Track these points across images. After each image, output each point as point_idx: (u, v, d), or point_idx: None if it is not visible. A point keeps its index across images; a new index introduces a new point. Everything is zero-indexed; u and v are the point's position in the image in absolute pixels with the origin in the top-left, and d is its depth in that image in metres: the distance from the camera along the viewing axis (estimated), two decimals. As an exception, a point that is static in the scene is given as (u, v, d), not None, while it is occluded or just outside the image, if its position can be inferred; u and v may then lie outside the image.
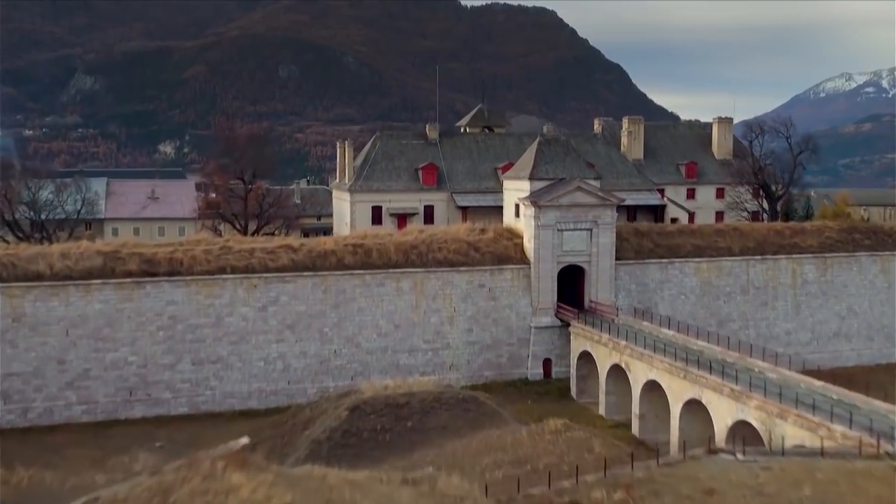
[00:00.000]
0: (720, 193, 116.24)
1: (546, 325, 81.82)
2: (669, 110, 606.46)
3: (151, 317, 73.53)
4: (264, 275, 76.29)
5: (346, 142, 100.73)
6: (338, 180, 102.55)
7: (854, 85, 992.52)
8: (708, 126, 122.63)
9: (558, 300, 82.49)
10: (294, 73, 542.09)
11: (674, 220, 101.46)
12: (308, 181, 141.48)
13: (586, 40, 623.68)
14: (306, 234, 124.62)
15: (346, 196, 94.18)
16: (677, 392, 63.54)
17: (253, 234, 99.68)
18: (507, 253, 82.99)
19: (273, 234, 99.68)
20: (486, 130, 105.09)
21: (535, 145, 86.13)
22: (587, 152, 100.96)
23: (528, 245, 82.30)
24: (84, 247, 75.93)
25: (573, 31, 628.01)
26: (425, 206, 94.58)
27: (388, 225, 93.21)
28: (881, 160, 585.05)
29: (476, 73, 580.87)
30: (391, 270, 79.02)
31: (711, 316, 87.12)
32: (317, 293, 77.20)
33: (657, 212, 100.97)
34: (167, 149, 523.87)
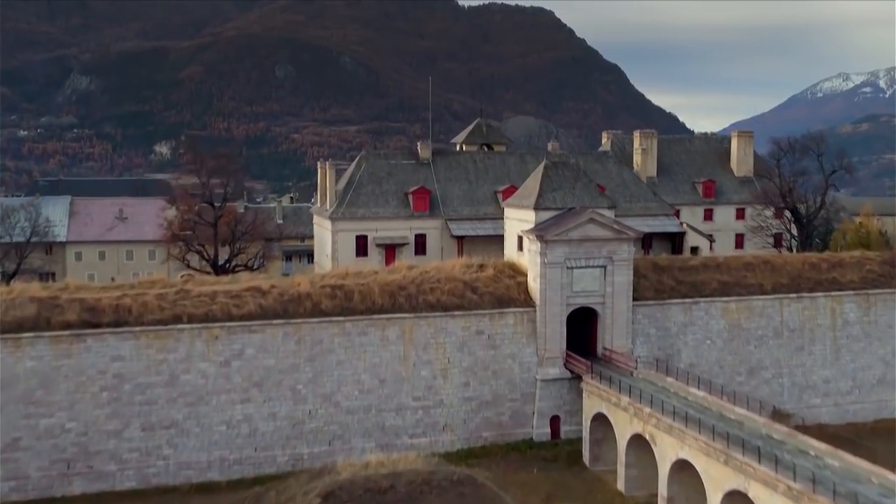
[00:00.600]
0: (740, 214, 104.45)
1: (554, 377, 69.80)
2: (667, 111, 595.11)
3: (93, 375, 61.49)
4: (227, 324, 64.22)
5: (328, 162, 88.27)
6: (318, 204, 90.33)
7: (851, 85, 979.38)
8: (726, 140, 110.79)
9: (567, 347, 70.57)
10: (290, 73, 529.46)
11: (694, 250, 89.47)
12: (292, 198, 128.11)
13: (584, 40, 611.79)
14: (288, 258, 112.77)
15: (328, 224, 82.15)
16: (716, 479, 51.58)
17: (225, 264, 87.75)
18: (509, 294, 70.95)
19: (248, 265, 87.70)
20: (485, 148, 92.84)
21: (540, 169, 74.08)
22: (597, 172, 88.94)
23: (533, 284, 70.34)
24: (16, 291, 63.86)
25: (571, 32, 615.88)
26: (416, 236, 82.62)
27: (375, 256, 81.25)
28: (879, 160, 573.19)
29: (473, 74, 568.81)
30: (375, 316, 66.97)
31: (741, 363, 75.17)
32: (289, 344, 65.19)
33: (675, 240, 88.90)
34: (163, 149, 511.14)
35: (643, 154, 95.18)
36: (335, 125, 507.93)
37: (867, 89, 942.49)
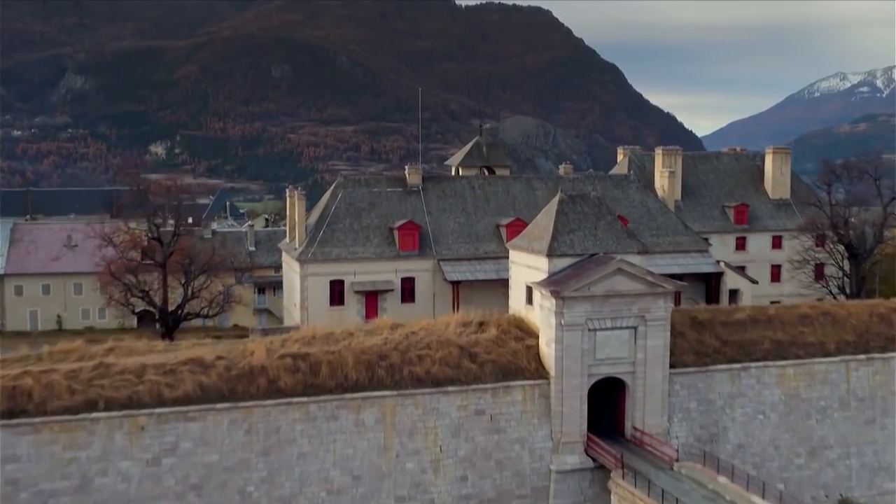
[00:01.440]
0: (777, 243, 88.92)
1: (572, 467, 54.32)
2: (665, 111, 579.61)
3: (-22, 482, 46.20)
4: (157, 410, 48.74)
5: (297, 191, 72.19)
6: (287, 240, 74.47)
7: (848, 85, 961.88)
8: (758, 157, 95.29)
9: (588, 426, 55.23)
10: (287, 73, 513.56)
11: (733, 294, 73.85)
12: (267, 219, 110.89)
13: (581, 40, 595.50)
14: (261, 290, 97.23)
15: (296, 266, 66.60)
16: None
17: (177, 311, 72.04)
18: (517, 362, 55.43)
19: (203, 313, 71.93)
20: (485, 172, 77.15)
21: (553, 205, 58.48)
22: (617, 200, 73.41)
23: (547, 350, 54.92)
24: None
25: (568, 31, 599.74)
26: (403, 280, 67.08)
27: (353, 305, 65.80)
28: (876, 160, 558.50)
29: (471, 74, 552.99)
30: (349, 395, 51.48)
31: (800, 442, 59.73)
32: (237, 434, 49.73)
33: (711, 282, 73.28)
34: (158, 149, 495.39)
35: (671, 178, 79.45)
36: (331, 125, 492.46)
37: (864, 89, 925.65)
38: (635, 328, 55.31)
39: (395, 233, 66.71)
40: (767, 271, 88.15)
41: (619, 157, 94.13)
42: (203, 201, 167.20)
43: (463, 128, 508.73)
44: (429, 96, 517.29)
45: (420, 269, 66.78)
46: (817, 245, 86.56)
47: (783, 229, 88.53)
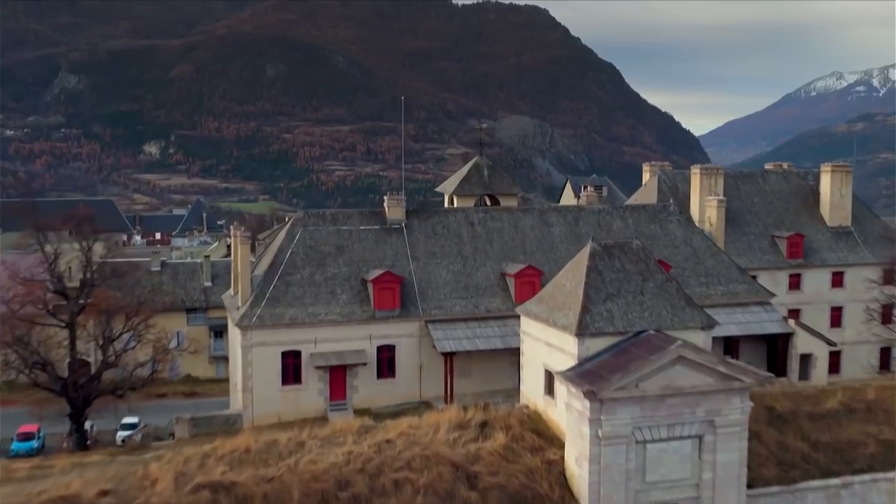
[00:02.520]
0: (837, 281, 71.52)
1: None
2: (663, 110, 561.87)
3: None
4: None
5: (241, 231, 53.82)
6: (231, 291, 56.27)
7: (845, 84, 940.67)
8: (811, 175, 77.74)
9: (632, 572, 37.97)
10: (282, 72, 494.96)
11: (804, 360, 56.55)
12: (230, 246, 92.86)
13: (579, 39, 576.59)
14: (218, 334, 79.40)
15: (238, 334, 48.97)
16: None
17: (92, 381, 54.42)
18: (534, 486, 38.07)
19: (123, 386, 54.34)
20: (487, 202, 59.42)
21: (582, 260, 40.91)
22: (655, 238, 56.03)
23: (577, 470, 37.68)
24: None
25: (566, 30, 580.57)
26: (381, 349, 49.45)
27: (313, 384, 48.29)
28: (874, 160, 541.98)
29: (468, 73, 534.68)
30: (291, 550, 34.37)
31: (920, 584, 42.67)
32: None
33: (778, 345, 55.73)
34: (152, 149, 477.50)
35: (719, 209, 61.72)
36: (327, 125, 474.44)
37: (861, 88, 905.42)
38: (700, 438, 38.03)
39: (370, 286, 49.24)
40: (826, 315, 70.79)
41: (646, 177, 76.66)
42: (179, 212, 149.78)
43: (460, 127, 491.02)
44: (425, 95, 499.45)
45: (402, 335, 49.32)
46: (885, 282, 69.70)
47: (845, 264, 71.21)
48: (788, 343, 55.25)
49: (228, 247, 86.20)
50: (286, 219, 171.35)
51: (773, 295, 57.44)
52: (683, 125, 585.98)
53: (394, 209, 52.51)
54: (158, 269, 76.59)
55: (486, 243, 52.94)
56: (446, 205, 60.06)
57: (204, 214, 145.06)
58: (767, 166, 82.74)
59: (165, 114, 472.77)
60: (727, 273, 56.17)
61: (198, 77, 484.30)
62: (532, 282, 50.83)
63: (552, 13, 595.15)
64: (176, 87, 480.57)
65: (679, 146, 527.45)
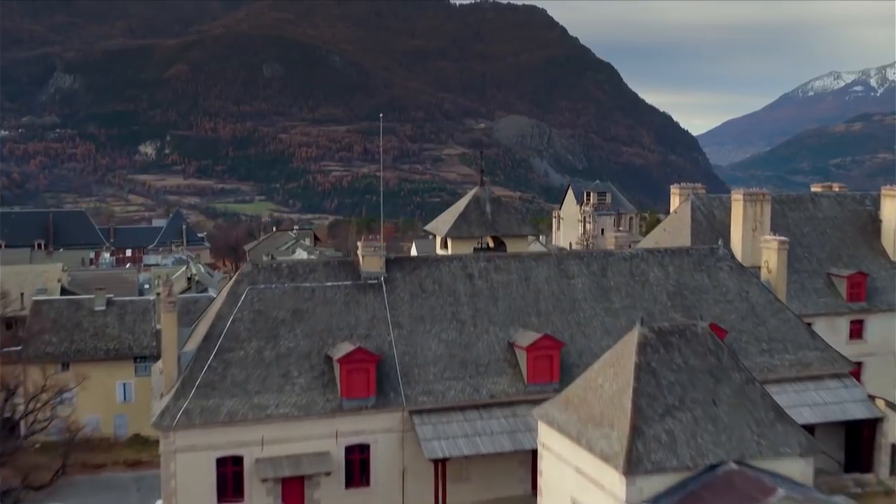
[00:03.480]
0: (906, 327, 58.82)
1: None
2: (661, 110, 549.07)
3: None
4: None
5: (167, 298, 39.04)
6: (158, 368, 42.52)
7: (842, 84, 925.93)
8: (867, 199, 65.06)
9: None
10: (278, 72, 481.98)
11: (896, 449, 43.83)
12: (190, 280, 76.27)
13: (577, 39, 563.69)
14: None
15: (160, 437, 35.44)
16: None
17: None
18: None
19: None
20: (489, 245, 45.69)
21: (629, 350, 28.01)
22: (703, 291, 43.14)
23: None
24: None
25: (563, 30, 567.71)
26: (350, 450, 35.52)
27: (259, 500, 35.27)
28: (872, 160, 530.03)
29: (465, 73, 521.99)
30: None
31: None
32: None
33: (862, 432, 42.67)
34: (148, 150, 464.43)
35: (780, 251, 48.56)
36: (324, 125, 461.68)
37: (858, 88, 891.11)
38: None
39: (337, 366, 36.27)
40: (892, 368, 58.02)
41: (675, 201, 63.88)
42: (158, 223, 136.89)
43: (457, 127, 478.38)
44: (422, 95, 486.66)
45: (379, 431, 36.25)
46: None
47: (915, 307, 58.48)
48: (876, 431, 42.54)
49: (190, 280, 73.13)
50: (272, 229, 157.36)
51: (852, 364, 44.56)
52: (681, 125, 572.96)
53: (370, 259, 39.48)
54: (103, 308, 63.87)
55: (490, 302, 40.01)
56: (438, 248, 46.85)
57: (184, 226, 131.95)
58: (815, 188, 69.88)
59: (161, 114, 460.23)
60: (794, 336, 43.28)
61: (194, 77, 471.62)
62: (549, 356, 38.10)
63: (550, 13, 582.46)
64: (172, 86, 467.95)
65: (677, 146, 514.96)
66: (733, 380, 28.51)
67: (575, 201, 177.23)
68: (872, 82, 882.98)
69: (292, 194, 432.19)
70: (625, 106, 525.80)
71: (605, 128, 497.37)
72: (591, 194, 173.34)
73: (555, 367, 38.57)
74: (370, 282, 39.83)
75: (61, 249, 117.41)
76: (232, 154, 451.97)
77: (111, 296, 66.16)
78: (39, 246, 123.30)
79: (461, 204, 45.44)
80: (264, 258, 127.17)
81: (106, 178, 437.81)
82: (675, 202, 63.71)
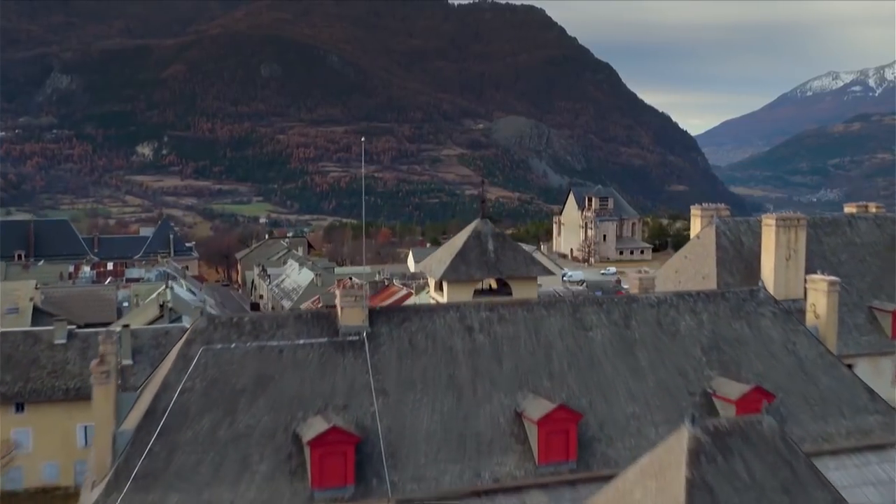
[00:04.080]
0: (957, 366, 51.86)
1: None
2: (660, 110, 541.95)
3: None
4: None
5: (100, 369, 31.68)
6: (91, 453, 35.60)
7: (841, 84, 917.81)
8: (909, 219, 58.00)
9: None
10: (276, 72, 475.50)
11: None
12: (163, 307, 66.74)
13: (575, 39, 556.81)
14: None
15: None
16: None
17: None
18: None
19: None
20: (491, 287, 38.19)
21: (678, 458, 21.16)
22: (744, 342, 36.18)
23: None
24: None
25: (562, 30, 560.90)
26: (324, 551, 29.84)
27: None
28: (871, 160, 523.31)
29: (463, 73, 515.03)
30: None
31: None
32: None
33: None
34: (145, 150, 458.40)
35: (830, 294, 41.44)
36: (322, 125, 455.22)
37: (857, 88, 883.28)
38: None
39: (307, 450, 29.22)
40: (941, 412, 50.97)
41: (696, 224, 56.78)
42: (146, 231, 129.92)
43: (455, 128, 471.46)
44: (421, 95, 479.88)
45: (359, 527, 29.54)
46: None
47: (967, 344, 51.47)
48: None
49: (163, 307, 65.89)
50: (265, 236, 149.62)
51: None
52: (679, 125, 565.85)
53: (350, 312, 32.55)
54: (64, 341, 56.98)
55: (493, 362, 33.00)
56: (432, 292, 39.71)
57: (171, 236, 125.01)
58: (849, 208, 62.79)
59: (158, 114, 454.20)
60: (851, 397, 36.31)
61: (191, 77, 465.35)
62: (566, 430, 31.19)
63: (548, 13, 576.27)
64: (169, 87, 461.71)
65: (676, 146, 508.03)
66: (813, 499, 21.53)
67: (576, 206, 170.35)
68: (871, 82, 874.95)
69: (290, 195, 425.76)
70: (623, 106, 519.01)
71: (603, 128, 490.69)
72: (593, 199, 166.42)
73: (571, 443, 31.61)
74: (350, 338, 32.79)
75: (41, 262, 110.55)
76: (229, 155, 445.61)
77: (73, 327, 59.15)
78: (20, 257, 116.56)
79: (458, 241, 38.26)
80: (255, 270, 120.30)
81: (103, 180, 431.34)
82: (696, 225, 56.62)
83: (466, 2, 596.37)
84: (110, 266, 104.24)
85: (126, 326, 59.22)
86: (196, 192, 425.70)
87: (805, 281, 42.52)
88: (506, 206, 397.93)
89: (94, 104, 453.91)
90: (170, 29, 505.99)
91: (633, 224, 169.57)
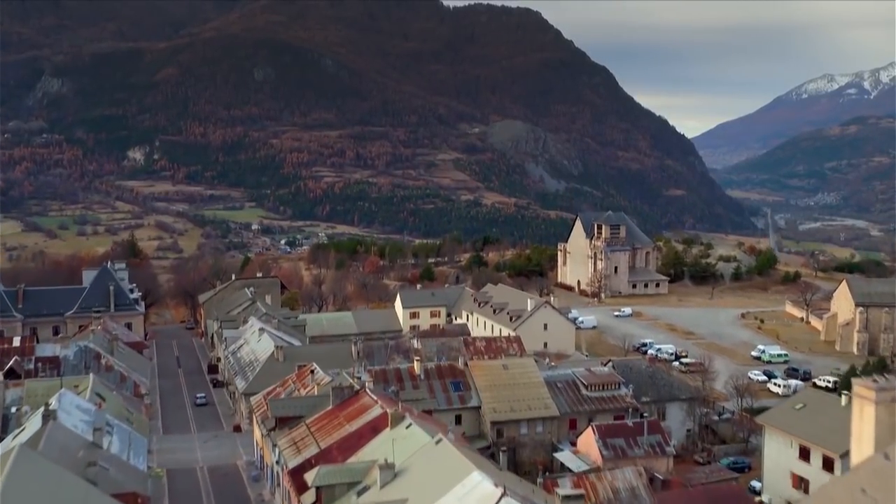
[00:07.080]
0: None
1: None
2: (657, 114, 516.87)
3: None
4: None
5: None
6: None
7: (836, 86, 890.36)
8: None
9: None
10: (270, 75, 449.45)
11: None
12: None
13: (571, 42, 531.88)
14: None
15: None
16: None
17: None
18: None
19: None
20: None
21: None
22: None
23: None
24: None
25: (558, 33, 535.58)
26: None
27: None
28: (868, 163, 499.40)
29: (459, 76, 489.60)
30: None
31: None
32: None
33: None
34: (136, 155, 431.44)
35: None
36: (315, 130, 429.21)
37: (852, 91, 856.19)
38: None
39: None
40: None
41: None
42: (88, 275, 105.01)
43: (451, 132, 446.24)
44: (416, 99, 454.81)
45: None
46: None
47: None
48: None
49: (147, 336, 40.61)
50: (236, 276, 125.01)
51: None
52: (676, 128, 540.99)
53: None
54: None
55: None
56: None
57: (111, 287, 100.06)
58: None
59: (150, 118, 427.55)
60: None
61: (184, 81, 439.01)
62: None
63: (544, 15, 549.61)
64: (161, 90, 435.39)
65: (673, 150, 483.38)
66: None
67: (584, 234, 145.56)
68: (866, 85, 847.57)
69: (283, 201, 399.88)
70: (620, 110, 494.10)
71: (600, 132, 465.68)
72: (603, 227, 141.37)
73: None
74: None
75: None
76: (222, 159, 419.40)
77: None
78: None
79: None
80: (215, 324, 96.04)
81: (93, 185, 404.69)
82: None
83: (462, 4, 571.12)
84: (16, 342, 79.21)
85: (99, 404, 34.23)
86: (187, 198, 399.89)
87: None
88: (502, 213, 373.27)
89: (85, 108, 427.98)
90: (162, 32, 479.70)
91: (647, 253, 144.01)
